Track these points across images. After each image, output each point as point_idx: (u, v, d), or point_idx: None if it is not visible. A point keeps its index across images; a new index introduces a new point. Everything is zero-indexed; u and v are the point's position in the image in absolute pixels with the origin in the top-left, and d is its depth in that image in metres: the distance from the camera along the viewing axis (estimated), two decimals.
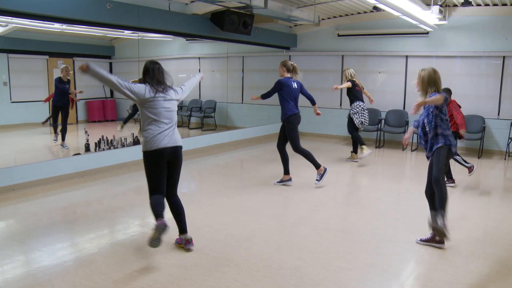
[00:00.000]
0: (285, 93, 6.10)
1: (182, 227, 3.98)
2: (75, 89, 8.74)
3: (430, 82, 4.00)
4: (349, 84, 7.86)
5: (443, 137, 4.02)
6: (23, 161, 7.27)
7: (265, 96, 6.34)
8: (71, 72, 8.80)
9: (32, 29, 9.22)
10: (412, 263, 3.82)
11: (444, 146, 4.01)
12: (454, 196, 5.91)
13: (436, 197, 3.93)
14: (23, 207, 5.29)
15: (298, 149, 6.20)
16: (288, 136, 6.19)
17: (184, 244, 3.97)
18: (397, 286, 3.47)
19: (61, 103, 8.48)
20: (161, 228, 3.55)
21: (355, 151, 8.15)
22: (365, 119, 7.91)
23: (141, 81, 3.81)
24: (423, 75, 4.04)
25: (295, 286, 3.32)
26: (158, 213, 3.65)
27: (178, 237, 4.04)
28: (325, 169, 6.24)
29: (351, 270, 3.61)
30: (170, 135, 3.78)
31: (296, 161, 6.73)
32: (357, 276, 3.51)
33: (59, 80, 8.39)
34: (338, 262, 3.75)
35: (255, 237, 4.31)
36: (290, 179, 6.35)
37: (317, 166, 6.22)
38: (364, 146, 7.91)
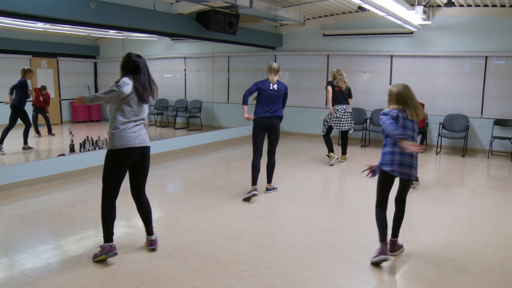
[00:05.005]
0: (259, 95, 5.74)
1: (149, 229, 3.99)
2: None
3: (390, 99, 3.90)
4: (329, 91, 7.69)
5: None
6: (5, 162, 7.17)
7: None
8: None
9: (14, 28, 9.10)
10: (397, 261, 3.86)
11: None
12: (438, 195, 6.00)
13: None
14: (7, 208, 5.21)
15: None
16: None
17: (149, 244, 3.96)
18: (383, 284, 3.50)
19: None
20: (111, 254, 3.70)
21: (343, 152, 8.18)
22: (340, 125, 7.74)
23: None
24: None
25: (282, 286, 3.33)
26: (109, 234, 3.79)
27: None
28: (253, 190, 5.66)
29: (337, 268, 3.63)
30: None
31: (281, 160, 6.74)
32: (343, 275, 3.53)
33: (26, 82, 8.02)
34: (325, 261, 3.78)
35: (241, 237, 4.31)
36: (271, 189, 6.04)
37: (253, 183, 5.71)
38: (331, 153, 7.78)
